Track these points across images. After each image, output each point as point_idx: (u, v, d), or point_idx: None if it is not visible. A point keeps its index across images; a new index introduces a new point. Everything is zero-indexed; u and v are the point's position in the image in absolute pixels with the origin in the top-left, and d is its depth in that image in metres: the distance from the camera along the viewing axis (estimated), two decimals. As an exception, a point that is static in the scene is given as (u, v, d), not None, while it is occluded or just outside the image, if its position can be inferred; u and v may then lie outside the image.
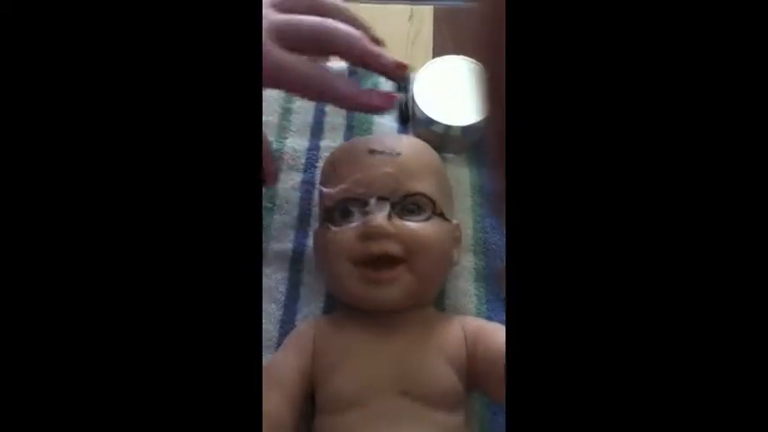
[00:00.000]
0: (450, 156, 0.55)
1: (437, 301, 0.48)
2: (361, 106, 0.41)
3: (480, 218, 0.52)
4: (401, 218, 0.41)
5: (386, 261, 0.40)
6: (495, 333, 0.40)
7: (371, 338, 0.40)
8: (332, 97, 0.40)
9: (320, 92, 0.40)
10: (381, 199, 0.41)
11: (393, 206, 0.41)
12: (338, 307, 0.46)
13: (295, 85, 0.39)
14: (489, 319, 0.48)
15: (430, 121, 0.52)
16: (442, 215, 0.43)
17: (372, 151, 0.43)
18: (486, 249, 0.51)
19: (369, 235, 0.39)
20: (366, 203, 0.41)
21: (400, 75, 0.41)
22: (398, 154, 0.43)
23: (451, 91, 0.52)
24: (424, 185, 0.42)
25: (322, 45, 0.39)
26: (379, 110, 0.42)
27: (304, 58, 0.38)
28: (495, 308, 0.49)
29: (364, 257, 0.40)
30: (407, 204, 0.41)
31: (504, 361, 0.34)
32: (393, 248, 0.40)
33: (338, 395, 0.38)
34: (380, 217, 0.40)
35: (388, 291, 0.40)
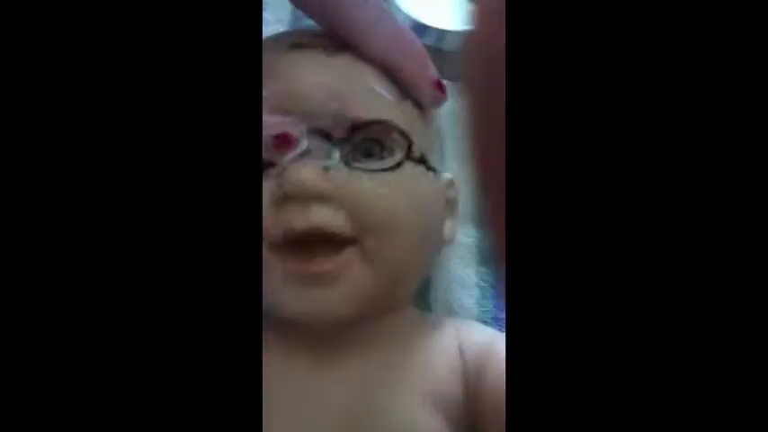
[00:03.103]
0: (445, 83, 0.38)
1: (420, 294, 0.34)
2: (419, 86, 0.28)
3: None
4: (348, 165, 0.26)
5: (323, 243, 0.25)
6: None
7: (310, 367, 0.27)
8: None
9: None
10: (317, 132, 0.25)
11: (338, 146, 0.26)
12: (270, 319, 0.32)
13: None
14: (500, 321, 0.34)
15: (418, 28, 0.38)
16: (423, 161, 0.27)
17: (297, 45, 0.27)
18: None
19: (289, 197, 0.25)
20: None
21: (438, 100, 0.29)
22: (335, 51, 0.27)
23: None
24: (386, 107, 0.27)
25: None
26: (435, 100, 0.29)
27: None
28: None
29: (287, 237, 0.25)
30: (359, 141, 0.26)
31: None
32: (332, 220, 0.25)
33: None
34: (309, 166, 0.25)
35: (327, 293, 0.25)
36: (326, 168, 0.25)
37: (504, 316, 0.34)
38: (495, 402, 0.25)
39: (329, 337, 0.27)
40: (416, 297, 0.33)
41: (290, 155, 0.25)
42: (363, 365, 0.27)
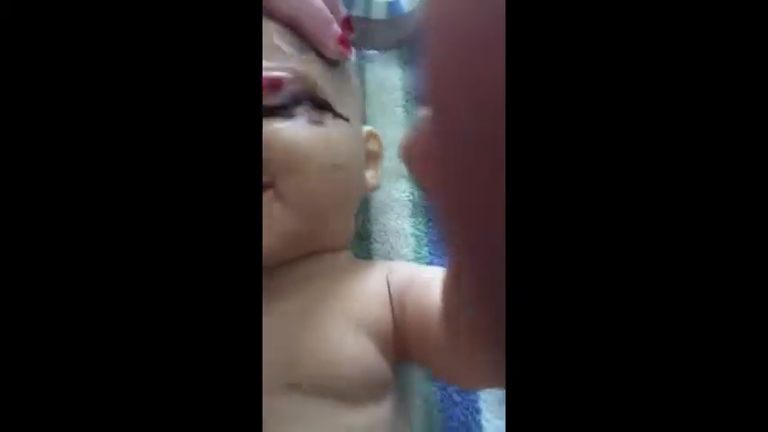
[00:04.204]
0: (373, 53, 0.42)
1: (360, 246, 0.37)
2: None
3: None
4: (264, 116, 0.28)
5: None
6: (433, 280, 0.28)
7: None
8: None
9: None
10: None
11: None
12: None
13: None
14: (431, 265, 0.37)
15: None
16: (332, 111, 0.30)
17: None
18: (424, 174, 0.37)
19: None
20: None
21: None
22: None
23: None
24: (286, 59, 0.29)
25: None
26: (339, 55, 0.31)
27: None
28: (439, 251, 0.37)
29: None
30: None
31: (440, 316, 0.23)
32: None
33: None
34: None
35: None
36: None
37: (437, 261, 0.38)
38: (415, 325, 0.28)
39: (271, 278, 0.28)
40: (356, 249, 0.36)
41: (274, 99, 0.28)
42: (298, 300, 0.28)
